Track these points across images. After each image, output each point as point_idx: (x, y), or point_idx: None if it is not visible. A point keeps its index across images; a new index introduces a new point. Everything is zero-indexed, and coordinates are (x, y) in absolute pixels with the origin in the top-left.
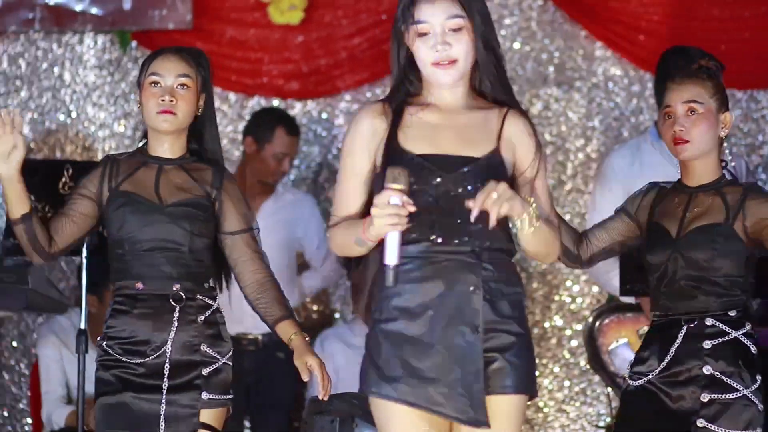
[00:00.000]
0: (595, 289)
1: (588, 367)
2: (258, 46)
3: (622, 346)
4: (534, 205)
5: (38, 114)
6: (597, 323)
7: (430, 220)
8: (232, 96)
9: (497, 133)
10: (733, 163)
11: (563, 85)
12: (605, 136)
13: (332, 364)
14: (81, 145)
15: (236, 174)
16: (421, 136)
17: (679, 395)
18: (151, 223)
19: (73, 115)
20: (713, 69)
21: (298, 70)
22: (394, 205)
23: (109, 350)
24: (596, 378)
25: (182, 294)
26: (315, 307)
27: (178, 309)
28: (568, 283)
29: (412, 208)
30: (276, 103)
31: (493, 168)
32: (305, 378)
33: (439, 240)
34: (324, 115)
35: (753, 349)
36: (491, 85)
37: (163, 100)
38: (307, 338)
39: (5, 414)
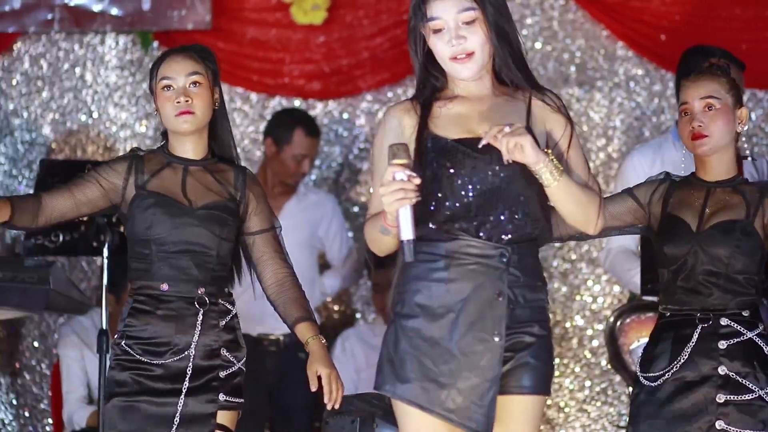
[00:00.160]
0: (617, 288)
1: (609, 366)
2: (279, 46)
3: (643, 345)
4: (552, 156)
5: (60, 114)
6: (618, 323)
7: (468, 201)
8: (253, 96)
9: (525, 112)
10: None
11: (585, 84)
12: (626, 136)
13: (353, 364)
14: (102, 146)
15: (258, 174)
16: (453, 123)
17: (693, 396)
18: (180, 226)
19: (95, 115)
20: (725, 66)
21: (319, 70)
22: (399, 180)
23: (129, 350)
24: (617, 378)
25: (206, 298)
26: (336, 307)
27: (201, 313)
28: (590, 283)
29: (417, 181)
30: (297, 103)
31: None
32: (313, 389)
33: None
34: (345, 116)
35: (766, 349)
36: (511, 72)
37: (178, 102)
38: (323, 342)
39: (26, 414)
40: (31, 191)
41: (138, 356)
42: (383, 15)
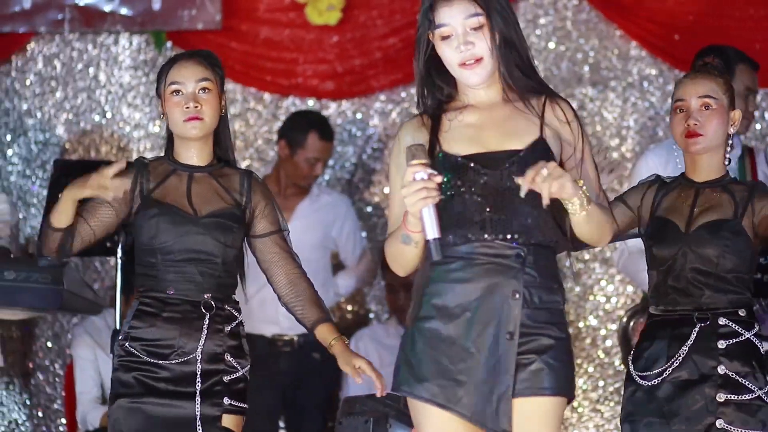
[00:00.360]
0: (630, 288)
1: (622, 366)
2: (293, 46)
3: None
4: (584, 187)
5: (73, 115)
6: (631, 323)
7: (481, 219)
8: (266, 96)
9: (539, 122)
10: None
11: (598, 84)
12: (640, 136)
13: None
14: (116, 146)
15: (271, 175)
16: (463, 137)
17: (692, 394)
18: (185, 235)
19: (108, 115)
20: (719, 66)
21: (332, 70)
22: (420, 180)
23: (133, 351)
24: None
25: (212, 303)
26: (349, 308)
27: (208, 317)
28: (603, 283)
29: (438, 179)
30: (311, 103)
31: (538, 157)
32: (359, 381)
33: (488, 236)
34: (359, 116)
35: (763, 349)
36: (519, 79)
37: (188, 108)
38: (346, 342)
39: (40, 414)
40: (45, 192)
41: (144, 357)
42: (397, 15)
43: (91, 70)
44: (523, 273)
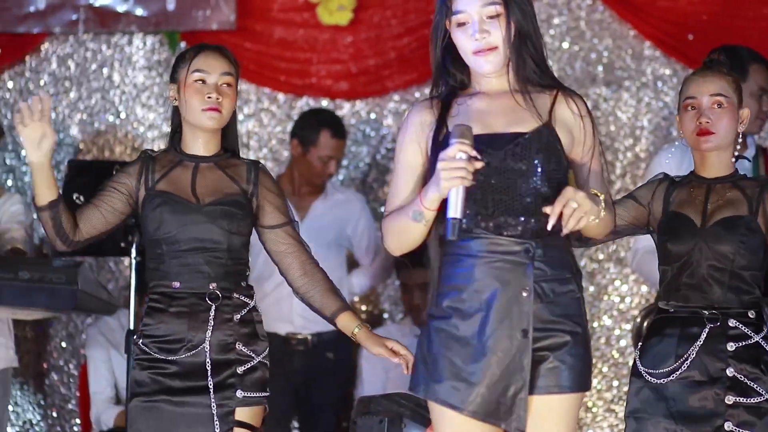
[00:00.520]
0: (644, 288)
1: None
2: (307, 46)
3: None
4: (603, 197)
5: (87, 115)
6: (645, 323)
7: (485, 199)
8: (280, 96)
9: (548, 111)
10: None
11: (612, 84)
12: (654, 136)
13: (381, 364)
14: (130, 146)
15: (285, 175)
16: (470, 120)
17: (700, 395)
18: (189, 224)
19: (122, 116)
20: (725, 62)
21: (347, 70)
22: (461, 159)
23: (146, 348)
24: None
25: (218, 293)
26: (364, 307)
27: (213, 308)
28: (617, 283)
29: (480, 164)
30: (325, 103)
31: (543, 142)
32: (397, 361)
33: (494, 224)
34: (373, 116)
35: None
36: (531, 72)
37: (209, 97)
38: (369, 328)
39: (54, 414)
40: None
41: (155, 354)
42: (411, 15)
43: (105, 70)
44: (533, 268)
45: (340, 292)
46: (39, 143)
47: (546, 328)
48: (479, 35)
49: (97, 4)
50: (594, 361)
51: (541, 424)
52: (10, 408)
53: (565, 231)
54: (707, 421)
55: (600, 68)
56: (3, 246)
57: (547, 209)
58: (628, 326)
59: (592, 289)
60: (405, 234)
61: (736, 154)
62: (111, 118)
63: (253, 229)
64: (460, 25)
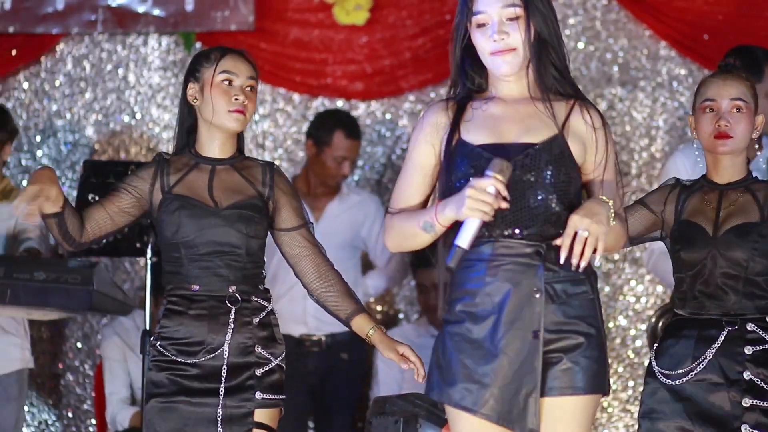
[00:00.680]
0: (659, 288)
1: None
2: (322, 46)
3: None
4: (612, 210)
5: (103, 115)
6: (660, 323)
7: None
8: (296, 97)
9: (562, 122)
10: None
11: (627, 84)
12: (669, 136)
13: (397, 365)
14: (145, 147)
15: (300, 176)
16: (483, 127)
17: (717, 398)
18: (207, 227)
19: (138, 116)
20: (738, 66)
21: (362, 70)
22: (490, 194)
23: (164, 351)
24: None
25: (238, 296)
26: (379, 308)
27: (233, 311)
28: (633, 284)
29: (505, 205)
30: (340, 104)
31: (554, 153)
32: (406, 367)
33: (504, 232)
34: (388, 116)
35: None
36: (550, 78)
37: (237, 99)
38: (384, 330)
39: (70, 415)
40: (75, 193)
41: (173, 357)
42: (426, 15)
43: (121, 71)
44: (544, 269)
45: (355, 294)
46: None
47: (559, 330)
48: (498, 36)
49: (115, 5)
50: (610, 361)
51: (554, 426)
52: (26, 408)
53: (584, 264)
54: (724, 423)
55: (615, 68)
56: (18, 246)
57: (557, 241)
58: (644, 326)
59: (607, 289)
60: (411, 239)
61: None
62: (126, 119)
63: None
64: (480, 26)
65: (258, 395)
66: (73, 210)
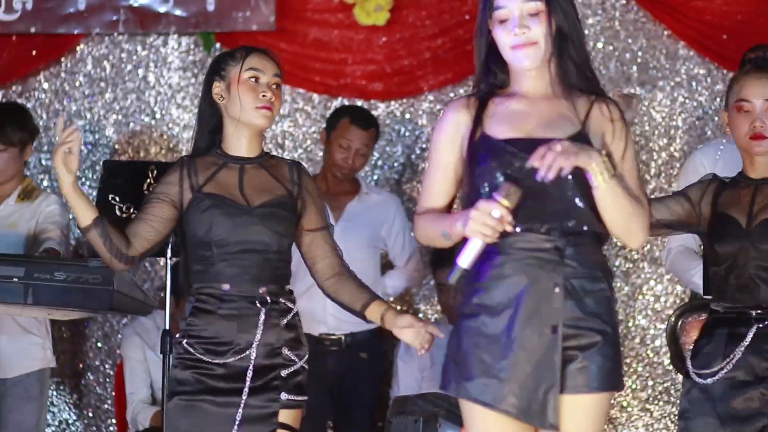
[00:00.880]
0: (679, 288)
1: (671, 366)
2: (341, 47)
3: None
4: (605, 158)
5: (122, 116)
6: (680, 322)
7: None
8: (315, 97)
9: (583, 118)
10: None
11: (646, 84)
12: (688, 135)
13: (417, 364)
14: (165, 147)
15: (319, 175)
16: (505, 121)
17: (746, 395)
18: (240, 225)
19: (158, 116)
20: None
21: (381, 70)
22: (494, 217)
23: (190, 349)
24: (680, 377)
25: (268, 297)
26: (398, 307)
27: (263, 312)
28: (652, 283)
29: (509, 228)
30: (359, 104)
31: None
32: (421, 352)
33: (522, 228)
34: (407, 116)
35: None
36: (572, 74)
37: (264, 95)
38: (396, 310)
39: (90, 414)
40: (95, 193)
41: (200, 355)
42: (445, 15)
43: (141, 71)
44: (563, 265)
45: (369, 287)
46: (66, 163)
47: (576, 326)
48: (519, 30)
49: (136, 5)
50: (629, 360)
51: (570, 423)
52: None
53: (550, 176)
54: (752, 420)
55: (634, 68)
56: (38, 247)
57: (533, 162)
58: (663, 326)
59: (626, 288)
60: (433, 241)
61: None
62: (146, 119)
63: None
64: (502, 21)
65: (283, 396)
66: (113, 222)
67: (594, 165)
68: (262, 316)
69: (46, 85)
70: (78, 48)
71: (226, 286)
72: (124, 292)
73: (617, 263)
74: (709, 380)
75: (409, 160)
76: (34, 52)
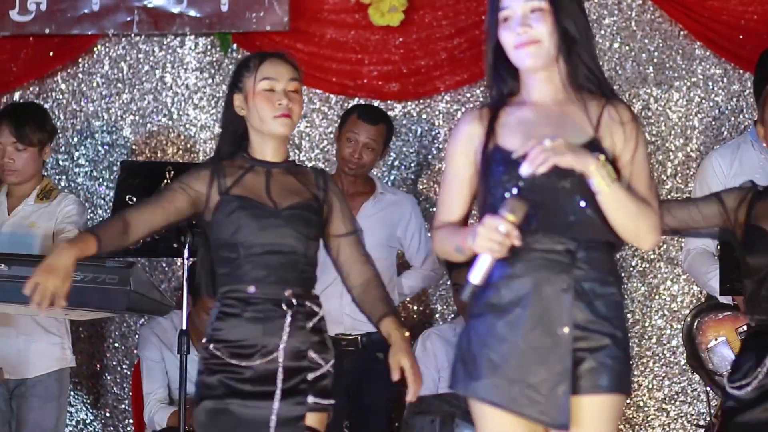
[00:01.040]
0: (695, 288)
1: (688, 366)
2: (358, 47)
3: (720, 344)
4: (605, 163)
5: (139, 116)
6: (696, 322)
7: (528, 215)
8: (332, 97)
9: (596, 123)
10: None
11: (663, 84)
12: (705, 136)
13: (434, 364)
14: (182, 147)
15: (335, 175)
16: (518, 132)
17: None
18: (267, 228)
19: (174, 117)
20: None
21: (397, 71)
22: (500, 232)
23: (217, 353)
24: (696, 377)
25: (294, 300)
26: (415, 307)
27: (289, 314)
28: (668, 283)
29: (517, 243)
30: (376, 104)
31: None
32: (395, 377)
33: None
34: (423, 116)
35: None
36: (580, 75)
37: (280, 104)
38: (407, 334)
39: (107, 414)
40: (112, 193)
41: (226, 359)
42: (462, 15)
43: (158, 71)
44: (574, 267)
45: (391, 300)
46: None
47: (586, 328)
48: (521, 29)
49: (150, 5)
50: (645, 360)
51: (583, 424)
52: None
53: (539, 170)
54: None
55: (650, 68)
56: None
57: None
58: (680, 326)
59: (643, 289)
60: (449, 255)
61: None
62: (163, 120)
63: None
64: (505, 20)
65: (310, 399)
66: (109, 232)
67: (592, 169)
68: (288, 319)
69: (63, 86)
70: (95, 49)
71: (251, 288)
72: (140, 292)
73: (634, 263)
74: (743, 392)
75: (426, 161)
76: (51, 53)
